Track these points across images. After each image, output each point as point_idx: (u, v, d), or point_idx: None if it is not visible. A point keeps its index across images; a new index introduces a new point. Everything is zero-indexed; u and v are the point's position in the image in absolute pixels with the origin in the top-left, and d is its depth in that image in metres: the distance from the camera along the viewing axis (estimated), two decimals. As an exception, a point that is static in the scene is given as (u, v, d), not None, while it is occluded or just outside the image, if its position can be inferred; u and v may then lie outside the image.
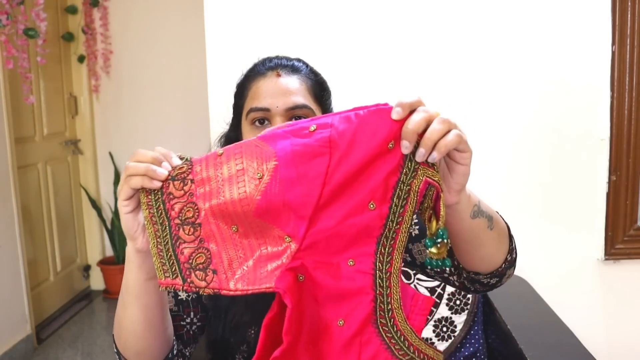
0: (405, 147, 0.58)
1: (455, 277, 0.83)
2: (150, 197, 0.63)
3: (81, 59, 3.22)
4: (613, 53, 1.44)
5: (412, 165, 0.59)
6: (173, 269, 0.62)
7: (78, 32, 3.18)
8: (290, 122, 0.64)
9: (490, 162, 1.50)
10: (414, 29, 1.47)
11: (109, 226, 3.32)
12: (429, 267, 0.85)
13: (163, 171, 0.63)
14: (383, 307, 0.61)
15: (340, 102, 1.01)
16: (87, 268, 3.40)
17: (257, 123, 0.86)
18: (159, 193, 0.63)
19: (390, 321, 0.62)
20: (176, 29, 3.18)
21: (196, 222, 0.62)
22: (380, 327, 0.62)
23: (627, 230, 1.50)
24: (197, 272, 0.61)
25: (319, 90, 0.91)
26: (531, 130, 1.49)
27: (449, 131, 0.58)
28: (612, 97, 1.46)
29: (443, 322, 1.28)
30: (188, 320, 0.89)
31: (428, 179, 0.59)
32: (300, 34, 1.48)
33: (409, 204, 0.60)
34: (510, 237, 0.77)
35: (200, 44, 1.54)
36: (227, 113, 1.49)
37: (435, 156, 0.58)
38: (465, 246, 0.72)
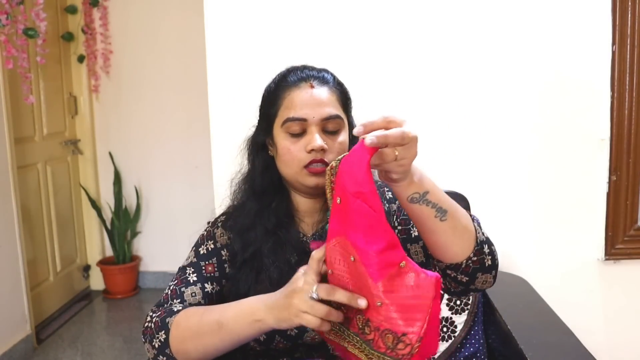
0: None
1: (439, 270, 0.88)
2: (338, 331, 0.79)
3: (81, 58, 3.22)
4: (613, 53, 1.44)
5: None
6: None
7: (78, 32, 3.18)
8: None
9: (490, 162, 1.51)
10: (413, 29, 1.47)
11: (109, 226, 3.32)
12: None
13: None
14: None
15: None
16: (87, 268, 3.40)
17: (294, 135, 0.93)
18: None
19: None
20: (176, 29, 3.18)
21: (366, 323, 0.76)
22: None
23: (627, 230, 1.50)
24: (399, 345, 0.72)
25: (345, 99, 0.99)
26: (531, 130, 1.49)
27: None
28: (612, 97, 1.46)
29: (443, 323, 1.28)
30: None
31: None
32: (300, 34, 1.48)
33: None
34: (482, 243, 0.83)
35: (201, 43, 1.54)
36: (227, 113, 1.50)
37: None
38: (417, 226, 0.83)
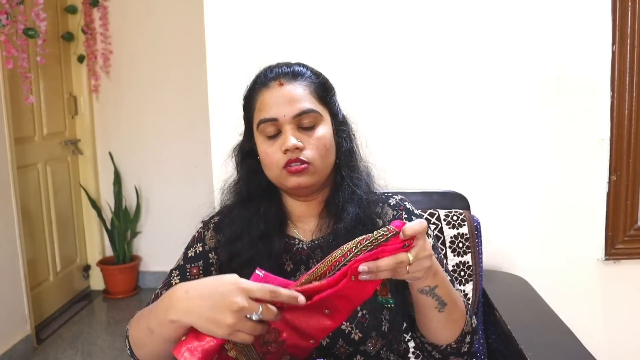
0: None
1: (418, 341, 0.96)
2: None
3: (81, 58, 3.22)
4: (613, 53, 1.44)
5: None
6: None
7: (78, 32, 3.18)
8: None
9: (490, 162, 1.50)
10: (414, 30, 1.47)
11: (109, 226, 3.32)
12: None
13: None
14: None
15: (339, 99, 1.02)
16: (86, 268, 3.40)
17: (270, 137, 0.91)
18: None
19: None
20: (176, 29, 3.18)
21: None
22: None
23: (627, 230, 1.50)
24: None
25: (322, 91, 0.94)
26: (531, 130, 1.49)
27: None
28: (612, 97, 1.46)
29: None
30: None
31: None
32: (300, 33, 1.48)
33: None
34: (466, 334, 0.90)
35: (200, 43, 1.54)
36: (227, 113, 1.49)
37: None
38: (415, 309, 0.89)
